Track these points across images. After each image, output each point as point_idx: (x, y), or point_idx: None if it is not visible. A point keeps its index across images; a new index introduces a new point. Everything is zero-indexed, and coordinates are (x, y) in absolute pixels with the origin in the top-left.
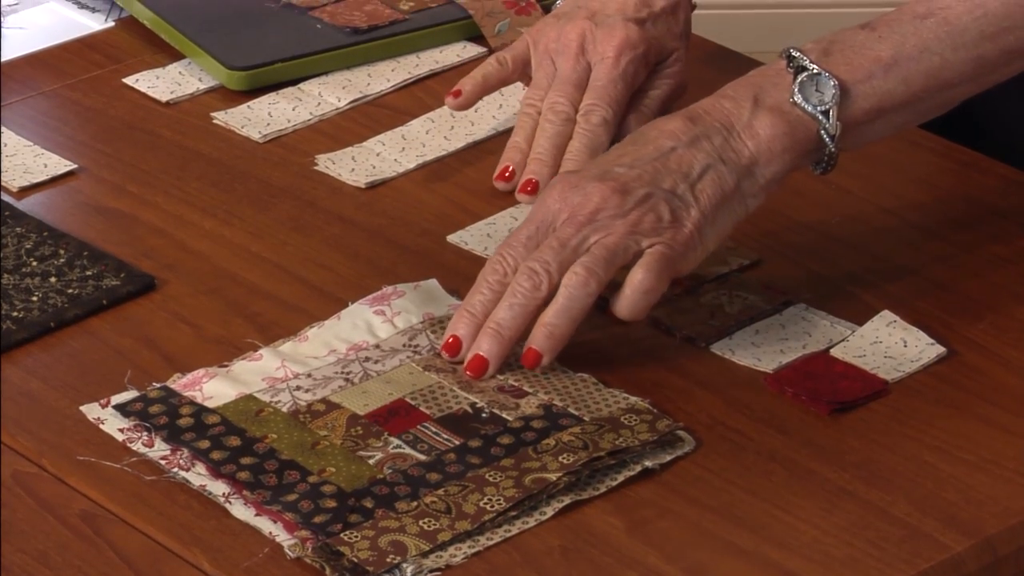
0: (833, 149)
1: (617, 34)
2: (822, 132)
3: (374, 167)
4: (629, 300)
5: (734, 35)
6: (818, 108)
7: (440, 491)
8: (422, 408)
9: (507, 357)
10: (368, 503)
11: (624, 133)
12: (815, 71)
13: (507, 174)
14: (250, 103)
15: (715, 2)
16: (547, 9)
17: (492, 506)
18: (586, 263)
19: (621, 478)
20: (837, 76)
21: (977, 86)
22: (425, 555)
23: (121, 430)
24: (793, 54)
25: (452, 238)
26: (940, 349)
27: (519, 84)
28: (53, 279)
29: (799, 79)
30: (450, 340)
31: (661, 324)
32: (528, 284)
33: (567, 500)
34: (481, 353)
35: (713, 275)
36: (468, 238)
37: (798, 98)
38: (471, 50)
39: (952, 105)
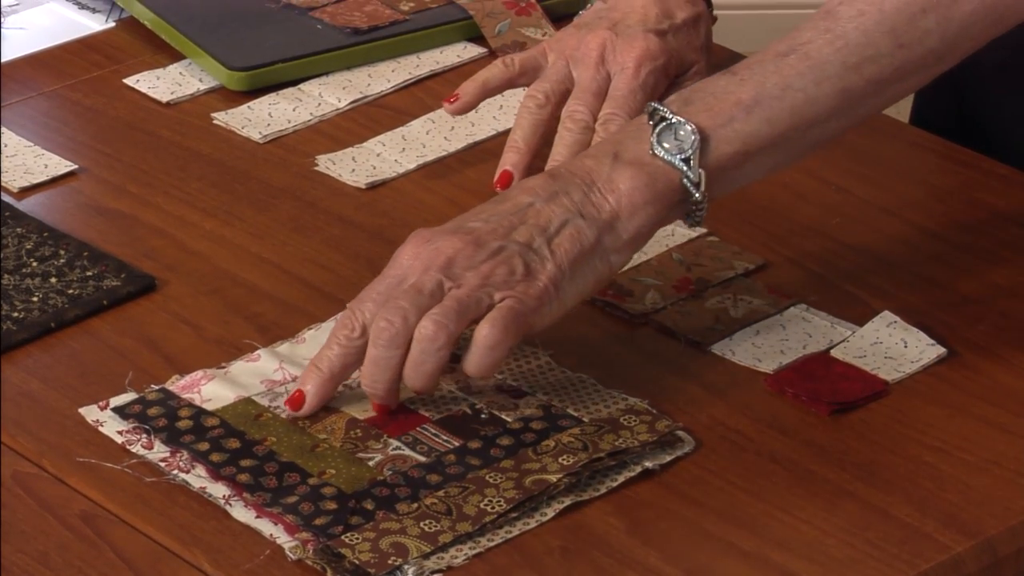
0: (698, 196)
1: (637, 45)
2: (684, 180)
3: (374, 168)
4: (475, 356)
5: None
6: (677, 156)
7: (440, 492)
8: (421, 410)
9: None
10: (369, 505)
11: None
12: (673, 120)
13: (508, 180)
14: (250, 104)
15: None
16: (547, 10)
17: (493, 507)
18: (435, 317)
19: (621, 479)
20: (697, 122)
21: (848, 120)
22: (426, 556)
23: (120, 432)
24: (654, 106)
25: None
26: (940, 350)
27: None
28: (53, 279)
29: (658, 129)
30: (295, 394)
31: (666, 328)
32: (386, 337)
33: (567, 501)
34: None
35: (718, 279)
36: None
37: (657, 148)
38: (471, 51)
39: (824, 142)
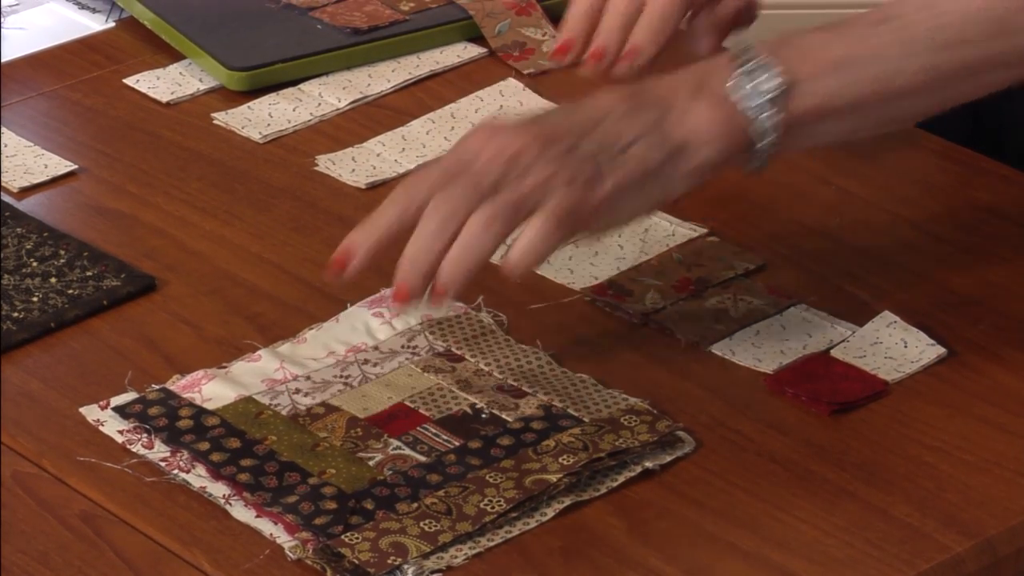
0: (765, 143)
1: None
2: (758, 126)
3: (374, 168)
4: (518, 249)
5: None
6: (756, 100)
7: (440, 492)
8: (421, 410)
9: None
10: (369, 504)
11: (691, 36)
12: (760, 63)
13: (567, 47)
14: (250, 104)
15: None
16: (547, 10)
17: (493, 507)
18: (488, 211)
19: (621, 479)
20: (782, 71)
21: (933, 100)
22: (426, 556)
23: (121, 432)
24: (744, 45)
25: None
26: (940, 350)
27: (519, 84)
28: (53, 279)
29: (743, 69)
30: (337, 257)
31: (666, 328)
32: (436, 221)
33: (567, 501)
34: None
35: (718, 279)
36: None
37: (739, 89)
38: (471, 51)
39: (905, 120)
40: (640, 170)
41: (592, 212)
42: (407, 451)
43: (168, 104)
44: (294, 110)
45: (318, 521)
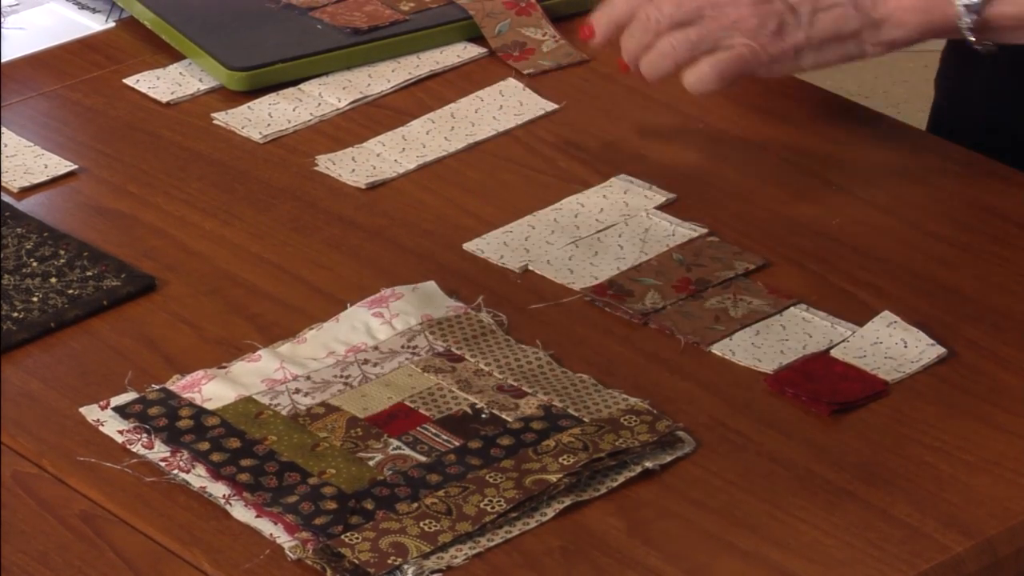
0: (971, 38)
1: None
2: (959, 22)
3: (374, 168)
4: (690, 77)
5: None
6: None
7: (440, 492)
8: (421, 410)
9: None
10: (369, 504)
11: None
12: None
13: (591, 35)
14: (250, 104)
15: None
16: (547, 10)
17: (493, 507)
18: (673, 41)
19: (621, 479)
20: None
21: None
22: (426, 556)
23: (121, 432)
24: None
25: (468, 246)
26: (940, 350)
27: (519, 84)
28: (53, 280)
29: None
30: (586, 27)
31: (666, 328)
32: (637, 29)
33: (567, 501)
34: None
35: (718, 279)
36: (484, 246)
37: None
38: (471, 51)
39: None
40: (832, 31)
41: (769, 61)
42: (407, 451)
43: (168, 104)
44: (294, 110)
45: (318, 521)
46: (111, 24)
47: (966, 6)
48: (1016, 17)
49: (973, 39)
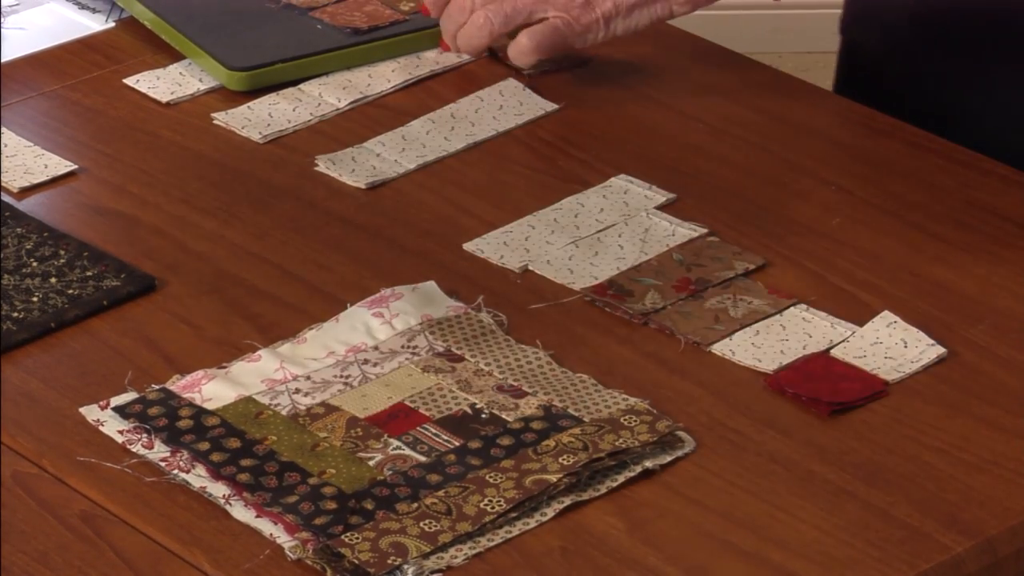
0: None
1: None
2: None
3: (374, 168)
4: (511, 51)
5: (732, 35)
6: None
7: (440, 492)
8: (421, 410)
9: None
10: (369, 505)
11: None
12: None
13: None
14: (250, 104)
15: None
16: None
17: (493, 507)
18: (487, 13)
19: (621, 479)
20: None
21: None
22: (426, 556)
23: (121, 432)
24: None
25: (468, 246)
26: (940, 350)
27: (519, 84)
28: (53, 280)
29: None
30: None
31: (666, 328)
32: (452, 10)
33: (567, 501)
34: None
35: (718, 279)
36: (484, 246)
37: None
38: None
39: None
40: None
41: (582, 30)
42: (407, 451)
43: (168, 104)
44: (294, 110)
45: (318, 521)
46: (111, 24)
47: None
48: None
49: None
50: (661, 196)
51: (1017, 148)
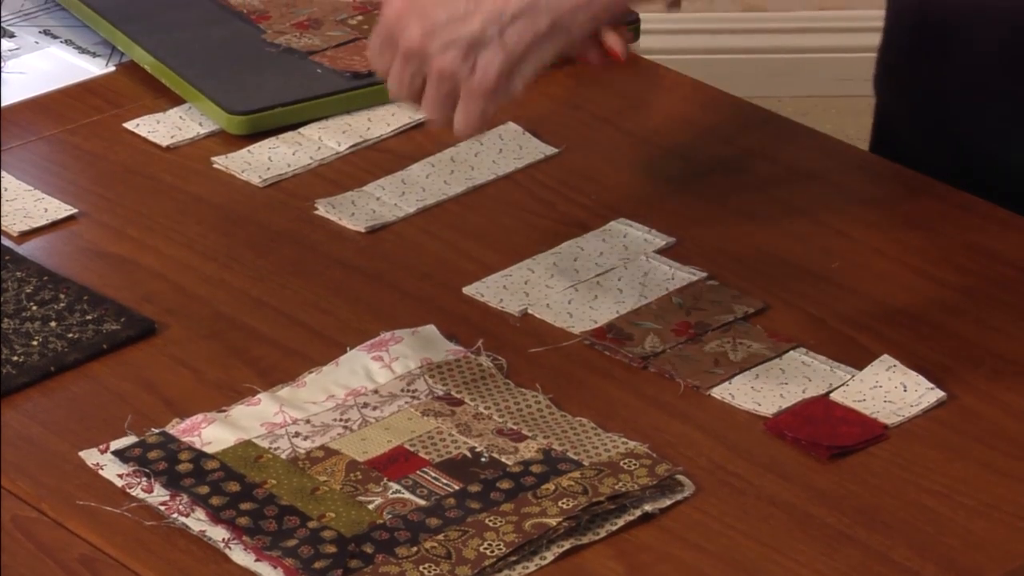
0: None
1: None
2: None
3: (374, 212)
4: (458, 128)
5: (732, 79)
6: None
7: (440, 536)
8: (421, 453)
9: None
10: (368, 548)
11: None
12: None
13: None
14: (250, 147)
15: (713, 47)
16: None
17: (492, 551)
18: (427, 105)
19: (621, 522)
20: None
21: None
22: None
23: (120, 475)
24: None
25: (468, 290)
26: (939, 393)
27: (518, 128)
28: (53, 323)
29: None
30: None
31: (665, 372)
32: (392, 89)
33: (567, 545)
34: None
35: (718, 323)
36: (484, 290)
37: None
38: None
39: None
40: (529, 38)
41: (490, 95)
42: (407, 495)
43: (168, 148)
44: (294, 154)
45: (317, 565)
46: (111, 68)
47: None
48: None
49: None
50: (660, 240)
51: None
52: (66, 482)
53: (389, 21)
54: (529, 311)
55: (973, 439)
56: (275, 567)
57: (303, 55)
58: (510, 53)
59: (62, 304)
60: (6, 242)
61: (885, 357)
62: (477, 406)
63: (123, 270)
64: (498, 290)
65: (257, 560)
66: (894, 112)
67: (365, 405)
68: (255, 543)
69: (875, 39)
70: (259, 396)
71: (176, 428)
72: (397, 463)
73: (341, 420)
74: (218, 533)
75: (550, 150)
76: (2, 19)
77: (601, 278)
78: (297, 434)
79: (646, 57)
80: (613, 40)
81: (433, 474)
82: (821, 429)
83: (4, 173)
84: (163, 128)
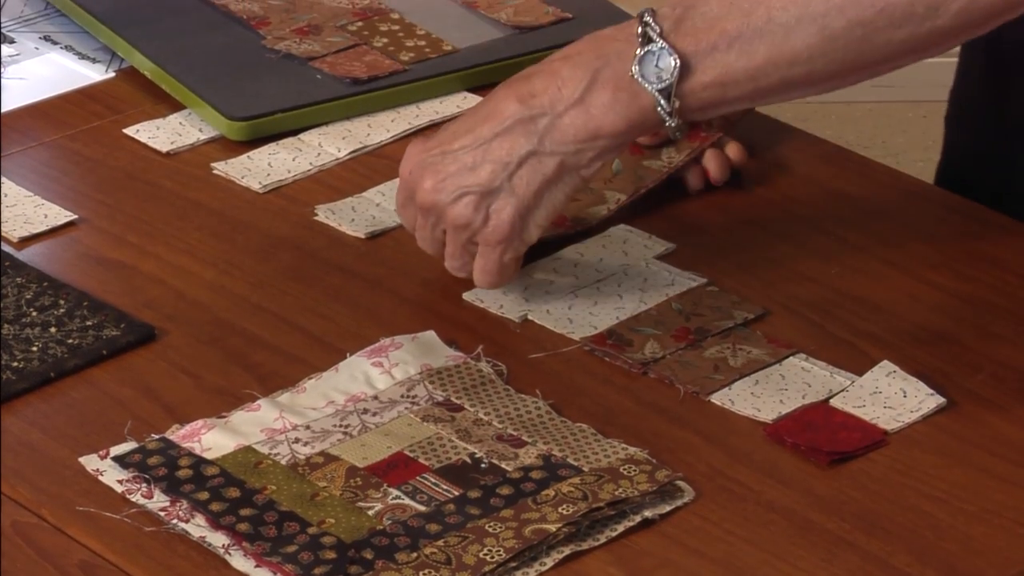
0: (672, 124)
1: None
2: (659, 109)
3: (374, 217)
4: (477, 278)
5: None
6: (656, 85)
7: (440, 542)
8: (421, 459)
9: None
10: (368, 554)
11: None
12: (659, 46)
13: None
14: (250, 153)
15: None
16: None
17: (492, 557)
18: (451, 264)
19: (621, 528)
20: (680, 49)
21: (830, 65)
22: None
23: (120, 481)
24: (647, 20)
25: (468, 296)
26: (939, 399)
27: None
28: (53, 329)
29: (642, 53)
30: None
31: (665, 378)
32: (423, 244)
33: (567, 551)
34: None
35: (717, 329)
36: (484, 296)
37: (637, 74)
38: (471, 100)
39: (810, 86)
40: (538, 182)
41: (505, 244)
42: (406, 500)
43: (168, 154)
44: (294, 160)
45: (317, 571)
46: (111, 74)
47: (663, 90)
48: (716, 83)
49: (674, 124)
50: (660, 245)
51: None
52: (66, 488)
53: (404, 177)
54: (529, 317)
55: (973, 445)
56: (275, 573)
57: (303, 61)
58: (521, 200)
59: (62, 310)
60: (6, 248)
61: (885, 363)
62: (477, 412)
63: (123, 276)
64: (498, 296)
65: (257, 566)
66: (963, 150)
67: (365, 411)
68: (255, 549)
69: None
70: (259, 402)
71: (176, 434)
72: (397, 469)
73: (341, 426)
74: (218, 539)
75: None
76: (2, 25)
77: (601, 284)
78: (297, 440)
79: None
80: (711, 163)
81: (433, 480)
82: (821, 435)
83: (4, 179)
84: (163, 134)
